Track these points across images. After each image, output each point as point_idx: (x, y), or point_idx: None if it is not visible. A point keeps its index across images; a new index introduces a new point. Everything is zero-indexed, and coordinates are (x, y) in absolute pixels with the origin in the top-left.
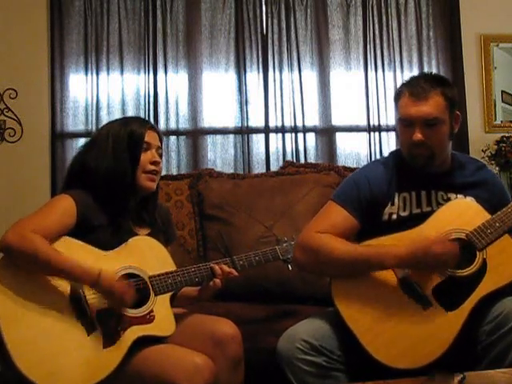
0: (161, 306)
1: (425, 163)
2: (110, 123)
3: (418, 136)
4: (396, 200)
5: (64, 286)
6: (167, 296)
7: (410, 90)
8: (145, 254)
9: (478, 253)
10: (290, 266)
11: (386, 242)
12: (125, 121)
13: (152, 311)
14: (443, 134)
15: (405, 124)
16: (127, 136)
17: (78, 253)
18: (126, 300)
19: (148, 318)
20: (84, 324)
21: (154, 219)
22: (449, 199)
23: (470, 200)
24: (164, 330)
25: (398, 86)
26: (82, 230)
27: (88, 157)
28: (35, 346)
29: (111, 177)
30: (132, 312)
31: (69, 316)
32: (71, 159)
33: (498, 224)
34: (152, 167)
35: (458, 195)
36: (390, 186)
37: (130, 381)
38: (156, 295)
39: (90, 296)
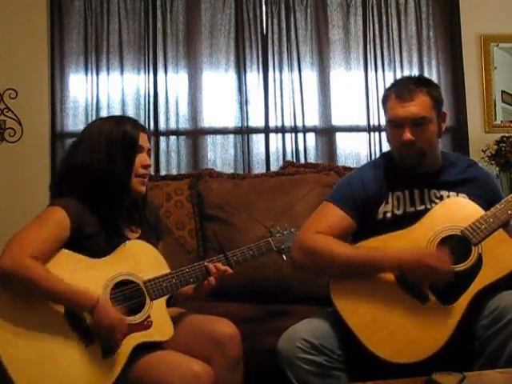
0: (157, 310)
1: (416, 163)
2: (100, 121)
3: (408, 136)
4: (390, 199)
5: None
6: (163, 299)
7: (396, 92)
8: (138, 259)
9: (473, 248)
10: (284, 257)
11: (384, 242)
12: (116, 120)
13: (149, 317)
14: (431, 132)
15: (394, 125)
16: (121, 136)
17: (68, 264)
18: (115, 337)
19: (145, 325)
20: (81, 336)
21: (145, 219)
22: (441, 197)
23: (463, 197)
24: (162, 335)
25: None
26: (74, 240)
27: (78, 156)
28: (34, 365)
29: (106, 177)
30: (129, 319)
31: (65, 330)
32: (58, 164)
33: (491, 219)
34: (143, 171)
35: (451, 192)
36: (383, 185)
37: None
38: (152, 300)
39: None
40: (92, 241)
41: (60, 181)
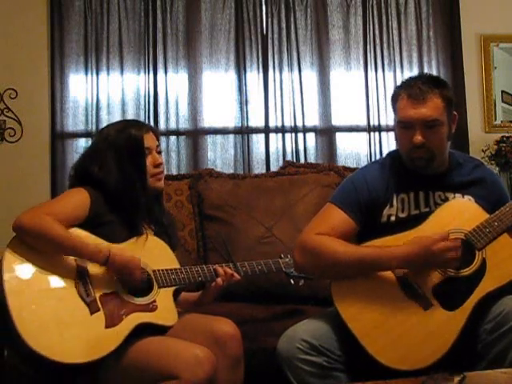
0: (164, 297)
1: (424, 165)
2: (107, 129)
3: (419, 138)
4: (394, 202)
5: (71, 267)
6: (170, 290)
7: (407, 92)
8: (150, 251)
9: (477, 252)
10: (292, 281)
11: (387, 243)
12: (121, 126)
13: (155, 301)
14: (442, 135)
15: (404, 126)
16: (126, 142)
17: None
18: (136, 274)
19: (151, 307)
20: (88, 304)
21: (160, 219)
22: (447, 199)
23: (468, 200)
24: (166, 320)
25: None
26: (91, 224)
27: (92, 169)
28: (39, 317)
29: (122, 191)
30: (136, 300)
31: (73, 296)
32: (74, 164)
33: (496, 223)
34: (157, 170)
35: (456, 194)
36: (388, 187)
37: (131, 372)
38: (159, 287)
39: (95, 279)
40: (107, 228)
41: (77, 181)
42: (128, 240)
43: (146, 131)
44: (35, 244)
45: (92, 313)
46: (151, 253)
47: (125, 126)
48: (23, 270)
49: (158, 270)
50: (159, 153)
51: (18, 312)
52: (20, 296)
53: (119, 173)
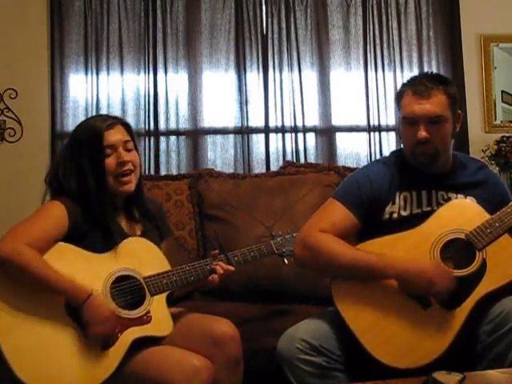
0: (157, 306)
1: (428, 162)
2: (76, 128)
3: (423, 134)
4: (397, 199)
5: None
6: (163, 296)
7: (413, 89)
8: (139, 256)
9: (477, 252)
10: (286, 260)
11: (388, 242)
12: (85, 124)
13: (149, 312)
14: (446, 131)
15: (409, 122)
16: (86, 137)
17: (70, 257)
18: (105, 332)
19: (145, 319)
20: (81, 327)
21: (145, 217)
22: (449, 199)
23: (469, 200)
24: (162, 330)
25: (399, 86)
26: (73, 236)
27: (58, 176)
28: (33, 351)
29: (81, 193)
30: (129, 313)
31: (65, 320)
32: (50, 167)
33: (497, 224)
34: (120, 170)
35: (459, 195)
36: (391, 185)
37: (129, 383)
38: (152, 296)
39: None
40: (90, 238)
41: (52, 188)
42: (113, 248)
43: (110, 125)
44: (14, 276)
45: (87, 336)
46: (139, 258)
47: (88, 119)
48: (10, 302)
49: (150, 277)
50: (129, 150)
51: (10, 350)
52: (11, 333)
53: (78, 174)
